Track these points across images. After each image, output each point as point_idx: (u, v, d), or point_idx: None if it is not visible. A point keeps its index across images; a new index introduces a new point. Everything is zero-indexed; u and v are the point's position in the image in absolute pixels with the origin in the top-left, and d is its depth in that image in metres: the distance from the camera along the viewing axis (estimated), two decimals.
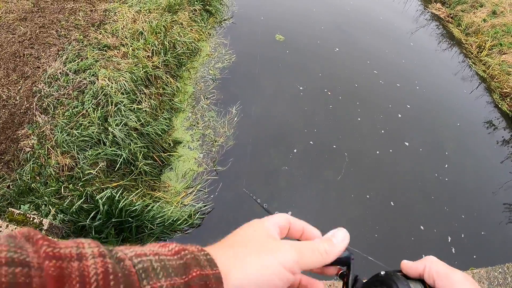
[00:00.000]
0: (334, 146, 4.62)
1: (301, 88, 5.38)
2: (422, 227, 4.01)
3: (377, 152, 4.72)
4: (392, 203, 4.17)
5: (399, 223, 4.03)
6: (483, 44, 7.28)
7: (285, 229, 0.48)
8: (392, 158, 4.69)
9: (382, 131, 5.00)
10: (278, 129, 4.72)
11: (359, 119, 5.12)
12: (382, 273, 0.47)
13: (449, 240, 3.98)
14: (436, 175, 4.62)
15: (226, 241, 0.43)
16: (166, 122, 4.29)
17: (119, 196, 3.20)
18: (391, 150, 4.77)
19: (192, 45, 5.49)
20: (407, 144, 4.91)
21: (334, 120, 5.01)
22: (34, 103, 3.93)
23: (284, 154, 4.40)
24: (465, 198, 4.51)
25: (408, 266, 0.48)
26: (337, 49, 6.46)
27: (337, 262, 0.48)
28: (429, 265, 0.46)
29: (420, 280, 0.47)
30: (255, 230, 0.44)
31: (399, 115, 5.34)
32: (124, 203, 3.13)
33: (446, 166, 4.77)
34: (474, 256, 3.89)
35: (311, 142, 4.62)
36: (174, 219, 3.36)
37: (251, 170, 4.16)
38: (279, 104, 5.09)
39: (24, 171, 3.40)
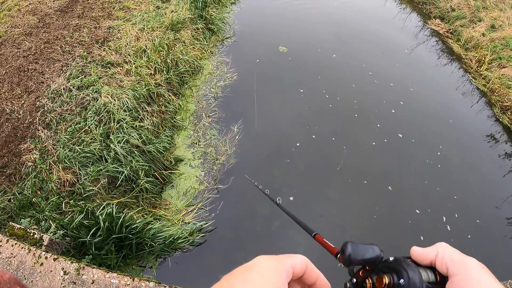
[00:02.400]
0: (333, 139, 5.04)
1: (301, 90, 5.80)
2: (417, 211, 4.30)
3: (373, 143, 5.09)
4: (390, 187, 4.52)
5: (396, 206, 4.35)
6: (483, 59, 7.31)
7: (300, 272, 0.45)
8: (387, 148, 5.08)
9: (378, 125, 5.41)
10: (281, 128, 5.10)
11: (356, 115, 5.53)
12: (391, 258, 0.45)
13: (444, 220, 4.25)
14: (427, 161, 4.98)
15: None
16: (168, 140, 4.32)
17: (120, 213, 3.21)
18: (385, 140, 5.17)
19: (194, 63, 5.57)
20: (400, 135, 5.31)
21: (333, 117, 5.44)
22: (37, 118, 3.96)
23: (288, 148, 4.79)
24: (456, 180, 4.84)
25: (419, 252, 0.46)
26: (334, 55, 6.88)
27: (366, 261, 0.46)
28: (442, 252, 0.44)
29: (431, 267, 0.45)
30: (269, 284, 0.40)
31: (393, 111, 5.75)
32: (124, 220, 3.13)
33: (439, 154, 5.14)
34: (469, 236, 4.15)
35: (313, 137, 5.02)
36: (175, 237, 3.36)
37: (256, 158, 4.56)
38: (282, 106, 5.49)
39: (25, 185, 3.41)
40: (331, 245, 0.56)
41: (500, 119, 6.18)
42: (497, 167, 5.22)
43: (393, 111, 5.73)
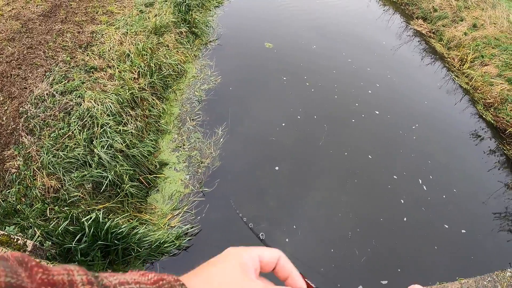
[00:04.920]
0: (315, 117, 5.45)
1: (284, 78, 6.22)
2: (395, 177, 4.71)
3: (353, 120, 5.56)
4: (370, 156, 4.96)
5: (376, 172, 4.76)
6: (465, 57, 7.47)
7: (269, 264, 0.47)
8: (365, 123, 5.56)
9: (356, 104, 5.89)
10: (267, 112, 5.43)
11: (336, 96, 6.02)
12: None
13: (420, 182, 4.69)
14: (400, 132, 5.52)
15: (200, 273, 0.43)
16: (152, 144, 4.31)
17: (105, 218, 3.20)
18: (363, 115, 5.66)
19: (178, 67, 5.57)
20: (377, 112, 5.80)
21: (315, 100, 5.88)
22: (21, 124, 3.92)
23: (273, 127, 5.16)
24: (429, 149, 5.30)
25: None
26: (314, 46, 7.33)
27: None
28: None
29: None
30: (231, 265, 0.43)
31: (370, 91, 6.27)
32: (110, 225, 3.13)
33: (414, 127, 5.66)
34: (444, 196, 4.55)
35: (298, 117, 5.40)
36: (161, 242, 3.36)
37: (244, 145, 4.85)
38: (267, 94, 5.86)
39: (9, 192, 3.38)
40: (312, 285, 0.54)
41: (483, 116, 6.33)
42: (468, 138, 5.82)
43: (369, 91, 6.25)
